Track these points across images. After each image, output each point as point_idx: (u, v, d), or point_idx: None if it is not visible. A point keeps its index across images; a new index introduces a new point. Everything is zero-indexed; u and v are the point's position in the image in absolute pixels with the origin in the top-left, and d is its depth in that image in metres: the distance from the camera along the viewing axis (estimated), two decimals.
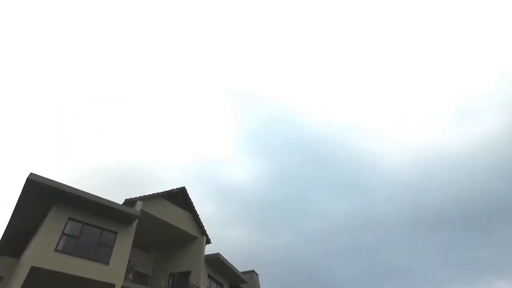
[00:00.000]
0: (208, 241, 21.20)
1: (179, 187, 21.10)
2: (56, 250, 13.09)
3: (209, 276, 19.95)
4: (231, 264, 21.44)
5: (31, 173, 13.29)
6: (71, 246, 13.71)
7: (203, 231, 21.11)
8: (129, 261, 15.41)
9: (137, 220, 16.31)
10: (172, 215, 19.63)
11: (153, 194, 18.83)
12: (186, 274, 18.77)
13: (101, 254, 14.39)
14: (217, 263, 20.44)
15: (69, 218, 14.26)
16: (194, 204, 21.50)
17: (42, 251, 12.72)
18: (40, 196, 13.85)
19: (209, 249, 20.86)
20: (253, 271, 28.14)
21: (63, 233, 13.72)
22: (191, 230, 20.52)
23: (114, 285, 13.87)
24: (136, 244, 17.09)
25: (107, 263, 14.23)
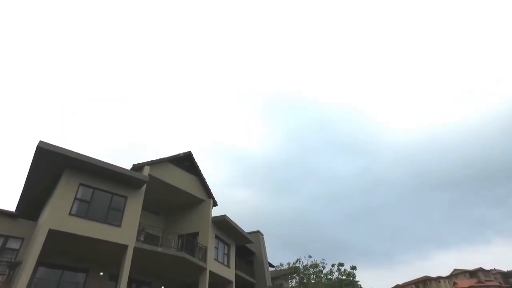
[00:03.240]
0: (215, 204, 21.92)
1: (185, 151, 21.40)
2: (70, 214, 13.73)
3: (217, 237, 20.94)
4: (237, 225, 22.35)
5: (40, 141, 13.51)
6: (84, 210, 14.33)
7: (209, 194, 21.75)
8: (140, 224, 16.14)
9: (145, 185, 16.82)
10: (179, 179, 20.14)
11: (160, 159, 19.14)
12: (195, 235, 19.71)
13: (112, 217, 15.06)
14: (224, 224, 21.32)
15: (80, 184, 14.74)
16: (201, 168, 21.93)
17: (58, 215, 13.35)
18: (50, 163, 14.22)
19: (216, 211, 21.66)
20: (258, 232, 29.38)
21: (75, 198, 14.29)
22: (198, 193, 21.15)
23: (127, 246, 14.69)
24: (145, 208, 17.75)
25: (119, 226, 14.95)
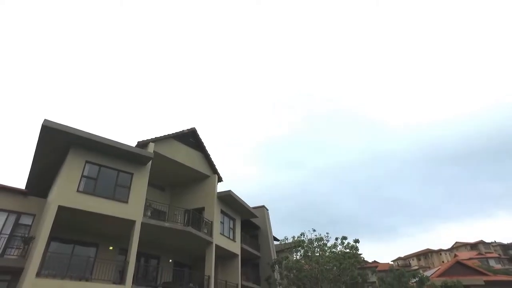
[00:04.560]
0: (220, 179, 22.15)
1: (189, 127, 21.36)
2: (78, 191, 13.95)
3: (222, 212, 21.33)
4: (242, 200, 22.69)
5: (45, 119, 13.52)
6: (91, 187, 14.55)
7: (214, 170, 21.93)
8: (146, 200, 16.41)
9: (150, 161, 16.96)
10: (184, 155, 20.25)
11: (164, 135, 19.15)
12: (200, 210, 20.08)
13: (119, 193, 15.30)
14: (229, 199, 21.65)
15: (87, 161, 14.88)
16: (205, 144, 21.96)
17: (66, 192, 13.58)
18: (56, 141, 14.32)
19: (225, 187, 21.91)
20: (263, 206, 29.85)
21: (82, 175, 14.48)
22: (203, 169, 21.34)
23: (134, 221, 15.04)
24: (151, 184, 18.00)
25: (126, 202, 15.23)
